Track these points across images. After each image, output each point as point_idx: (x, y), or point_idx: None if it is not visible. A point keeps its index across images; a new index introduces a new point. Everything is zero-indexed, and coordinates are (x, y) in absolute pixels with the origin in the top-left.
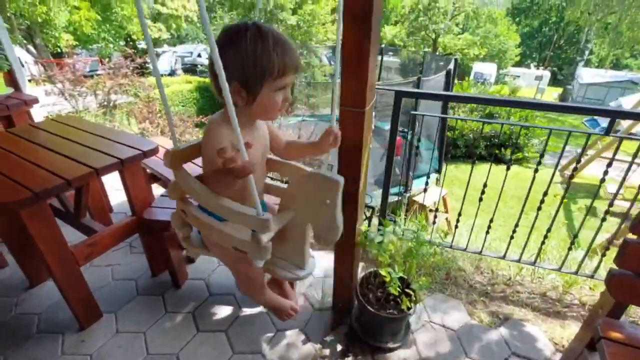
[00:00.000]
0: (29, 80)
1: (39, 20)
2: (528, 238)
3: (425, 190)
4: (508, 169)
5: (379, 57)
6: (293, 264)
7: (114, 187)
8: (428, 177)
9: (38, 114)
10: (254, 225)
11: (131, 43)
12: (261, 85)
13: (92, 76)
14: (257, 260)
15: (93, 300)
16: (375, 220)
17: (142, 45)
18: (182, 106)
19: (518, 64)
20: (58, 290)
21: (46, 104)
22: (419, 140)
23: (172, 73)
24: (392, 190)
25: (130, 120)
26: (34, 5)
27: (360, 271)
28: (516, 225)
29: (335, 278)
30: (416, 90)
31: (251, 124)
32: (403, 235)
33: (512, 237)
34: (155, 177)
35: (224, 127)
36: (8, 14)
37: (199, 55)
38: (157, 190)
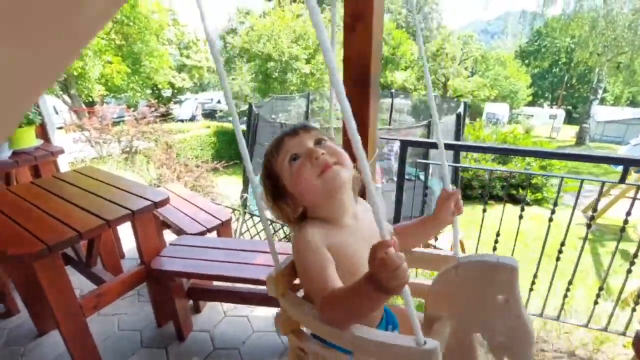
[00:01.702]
0: (60, 128)
1: (75, 73)
2: (549, 290)
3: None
4: (522, 209)
5: (389, 100)
6: None
7: (128, 232)
8: None
9: (64, 160)
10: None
11: (156, 91)
12: (276, 176)
13: (119, 123)
14: None
15: (97, 354)
16: None
17: (166, 93)
18: (200, 149)
19: (531, 104)
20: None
21: (74, 150)
22: (418, 177)
23: (192, 118)
24: None
25: (148, 166)
26: (74, 61)
27: None
28: (535, 276)
29: None
30: (423, 139)
31: (338, 220)
32: None
33: (531, 289)
34: (166, 224)
35: (314, 230)
36: None
37: (219, 102)
38: (168, 236)
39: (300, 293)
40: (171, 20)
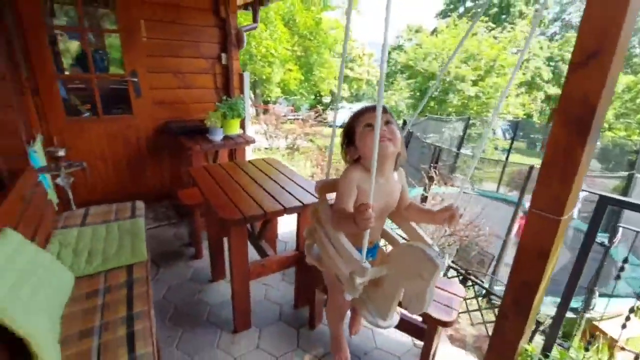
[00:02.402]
0: None
1: (264, 77)
2: None
3: (626, 321)
4: None
5: None
6: (378, 311)
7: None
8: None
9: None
10: (353, 267)
11: (318, 97)
12: (352, 130)
13: (285, 122)
14: (347, 293)
15: (249, 311)
16: (537, 337)
17: (326, 100)
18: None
19: None
20: (227, 292)
21: None
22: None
23: (343, 125)
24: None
25: (306, 163)
26: (264, 67)
27: None
28: None
29: None
30: (630, 200)
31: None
32: None
33: None
34: None
35: (356, 171)
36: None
37: None
38: None
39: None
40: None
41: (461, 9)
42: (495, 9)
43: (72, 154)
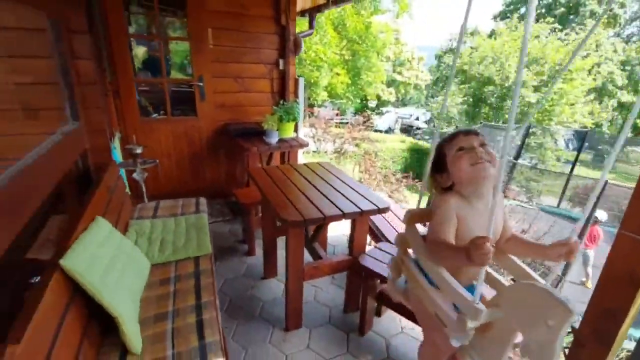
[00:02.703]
0: None
1: (312, 80)
2: None
3: None
4: None
5: None
6: None
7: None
8: None
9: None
10: (466, 309)
11: (364, 102)
12: (443, 156)
13: (333, 125)
14: (453, 339)
15: (301, 311)
16: None
17: (371, 104)
18: (392, 162)
19: None
20: (278, 290)
21: None
22: None
23: (388, 130)
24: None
25: (354, 168)
26: (312, 71)
27: None
28: None
29: None
30: None
31: (471, 200)
32: None
33: None
34: (370, 229)
35: (453, 198)
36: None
37: (417, 118)
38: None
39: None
40: (394, 39)
41: (522, 10)
42: (562, 9)
43: (144, 151)
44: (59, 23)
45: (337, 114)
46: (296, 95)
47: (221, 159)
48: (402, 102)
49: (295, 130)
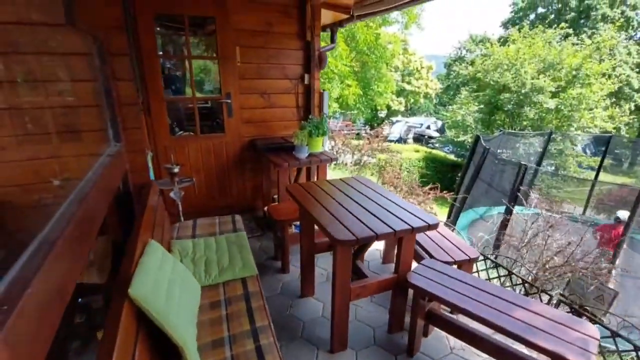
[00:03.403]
0: None
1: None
2: None
3: None
4: None
5: None
6: None
7: None
8: None
9: None
10: None
11: (374, 111)
12: None
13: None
14: None
15: (346, 332)
16: None
17: (381, 114)
18: (407, 171)
19: None
20: (317, 309)
21: None
22: None
23: (399, 140)
24: None
25: (377, 181)
26: (324, 83)
27: None
28: None
29: None
30: None
31: None
32: None
33: None
34: None
35: None
36: None
37: (428, 127)
38: None
39: None
40: (402, 49)
41: (532, 16)
42: (573, 14)
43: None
44: (103, 46)
45: (347, 125)
46: (321, 109)
47: (247, 174)
48: (411, 111)
49: (322, 144)
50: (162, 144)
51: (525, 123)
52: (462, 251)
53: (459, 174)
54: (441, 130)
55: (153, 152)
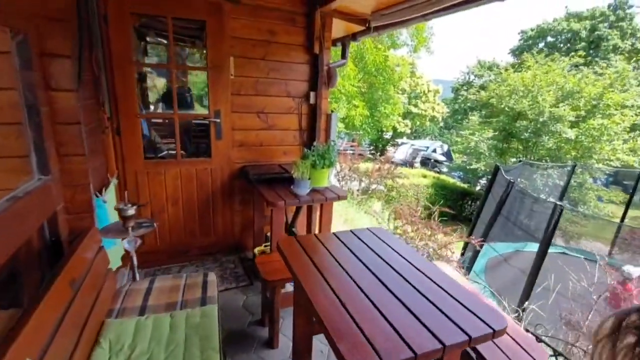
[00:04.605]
0: None
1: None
2: None
3: None
4: None
5: None
6: None
7: None
8: None
9: None
10: None
11: (379, 133)
12: None
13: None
14: None
15: None
16: None
17: (387, 135)
18: (415, 198)
19: None
20: None
21: None
22: None
23: (405, 163)
24: None
25: (389, 216)
26: (330, 103)
27: None
28: None
29: None
30: None
31: None
32: None
33: None
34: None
35: None
36: None
37: (434, 151)
38: None
39: None
40: (409, 72)
41: (541, 44)
42: (583, 44)
43: (144, 195)
44: (28, 43)
45: (352, 145)
46: (328, 133)
47: (236, 207)
48: (415, 134)
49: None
50: (132, 169)
51: (542, 152)
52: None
53: (466, 200)
54: (447, 155)
55: (119, 178)
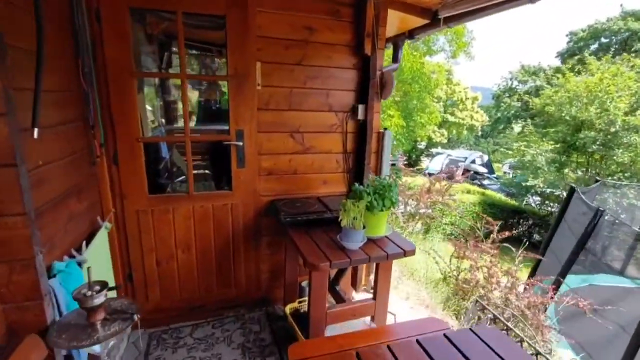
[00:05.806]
0: None
1: None
2: None
3: None
4: None
5: None
6: None
7: None
8: None
9: None
10: None
11: (413, 142)
12: None
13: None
14: None
15: None
16: None
17: (420, 145)
18: (460, 217)
19: None
20: None
21: None
22: None
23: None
24: None
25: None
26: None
27: None
28: None
29: None
30: None
31: None
32: None
33: None
34: None
35: None
36: None
37: (473, 162)
38: None
39: None
40: (445, 79)
41: (593, 46)
42: None
43: (148, 241)
44: None
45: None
46: (381, 157)
47: (263, 251)
48: (449, 143)
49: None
50: (132, 208)
51: (612, 168)
52: None
53: (516, 219)
54: (487, 166)
55: (112, 223)
